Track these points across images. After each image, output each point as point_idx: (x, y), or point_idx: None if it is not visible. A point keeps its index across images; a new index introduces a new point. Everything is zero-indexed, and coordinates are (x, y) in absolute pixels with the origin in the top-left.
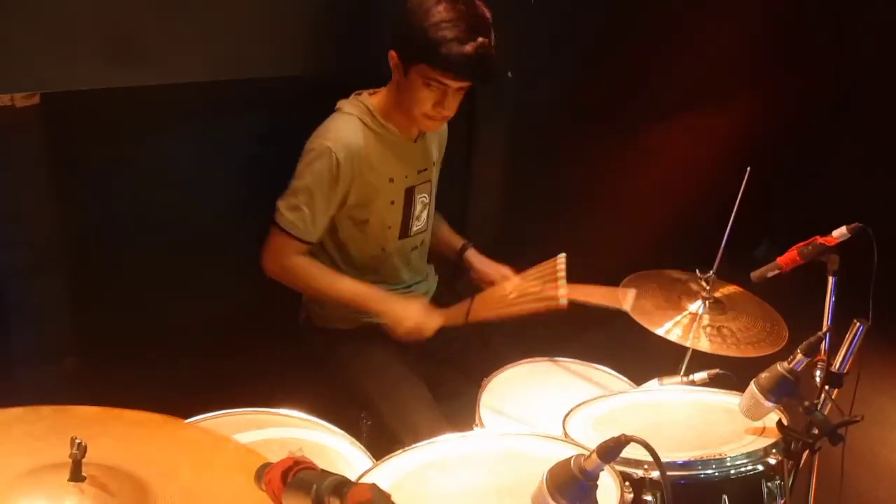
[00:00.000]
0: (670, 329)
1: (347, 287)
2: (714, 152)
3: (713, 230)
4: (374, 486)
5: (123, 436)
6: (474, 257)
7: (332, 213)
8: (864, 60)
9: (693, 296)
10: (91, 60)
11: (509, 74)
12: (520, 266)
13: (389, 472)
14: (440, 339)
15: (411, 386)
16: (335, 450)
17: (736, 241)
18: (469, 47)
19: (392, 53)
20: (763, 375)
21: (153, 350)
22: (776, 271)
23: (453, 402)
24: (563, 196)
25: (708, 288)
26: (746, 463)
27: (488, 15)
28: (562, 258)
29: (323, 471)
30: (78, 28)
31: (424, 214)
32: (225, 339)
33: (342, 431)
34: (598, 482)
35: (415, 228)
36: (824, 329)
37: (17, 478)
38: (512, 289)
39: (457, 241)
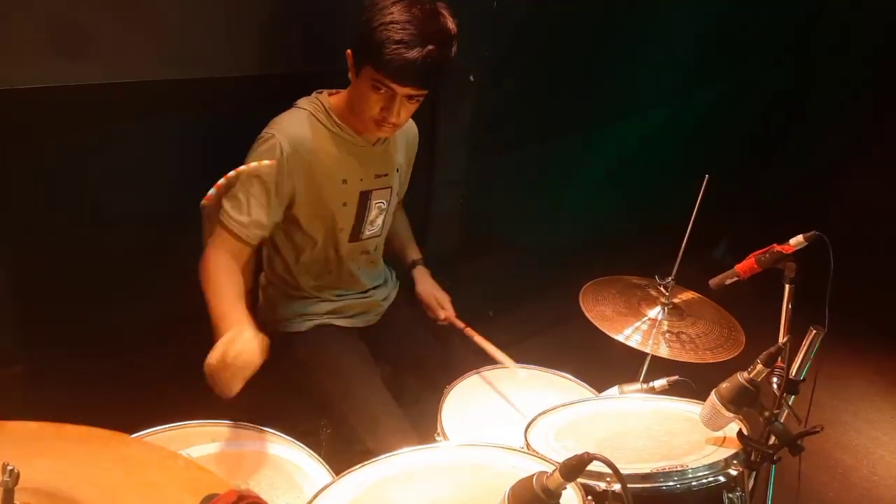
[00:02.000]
0: (630, 335)
1: (216, 302)
2: (673, 153)
3: (670, 232)
4: None
5: (63, 455)
6: (420, 276)
7: (273, 209)
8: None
9: (652, 301)
10: (36, 57)
11: (471, 78)
12: (484, 268)
13: (349, 487)
14: (399, 343)
15: (371, 384)
16: (293, 463)
17: (693, 243)
18: (414, 53)
19: (348, 52)
20: (723, 385)
21: (102, 358)
22: (734, 279)
23: (414, 409)
24: (527, 197)
25: (667, 294)
26: (708, 475)
27: (451, 27)
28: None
29: None
30: (22, 22)
31: (380, 220)
32: (176, 345)
33: (300, 444)
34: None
35: (367, 233)
36: (783, 339)
37: None
38: (444, 317)
39: (411, 253)
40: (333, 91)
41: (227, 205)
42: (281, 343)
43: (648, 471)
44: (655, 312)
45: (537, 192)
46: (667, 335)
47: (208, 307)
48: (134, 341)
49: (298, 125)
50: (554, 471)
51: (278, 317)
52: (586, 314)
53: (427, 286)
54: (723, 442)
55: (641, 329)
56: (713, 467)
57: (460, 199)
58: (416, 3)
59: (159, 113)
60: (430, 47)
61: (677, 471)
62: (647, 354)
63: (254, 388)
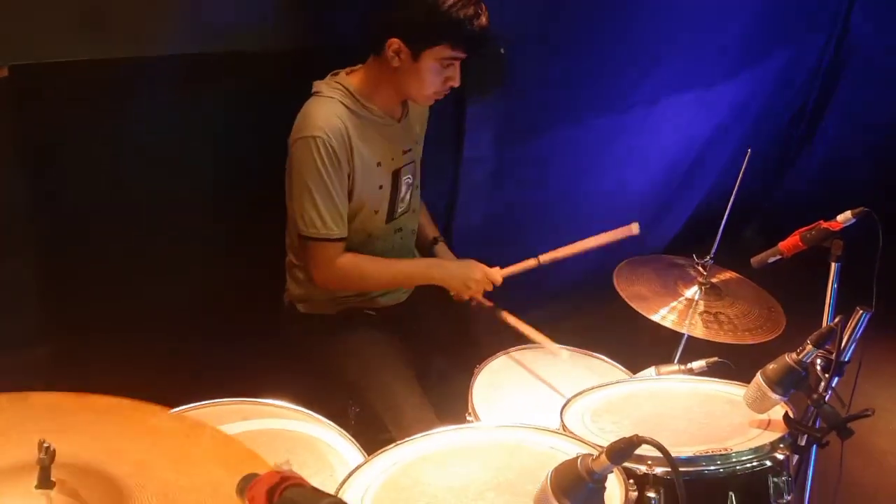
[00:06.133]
0: (665, 315)
1: (402, 269)
2: (708, 133)
3: (704, 212)
4: None
5: (89, 426)
6: (442, 254)
7: (342, 200)
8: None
9: (690, 281)
10: (61, 31)
11: (502, 51)
12: (508, 253)
13: (383, 466)
14: (427, 323)
15: (396, 369)
16: (325, 441)
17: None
18: (483, 20)
19: (394, 41)
20: (770, 367)
21: (130, 339)
22: (777, 257)
23: (443, 389)
24: (555, 180)
25: (705, 273)
26: (752, 458)
27: None
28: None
29: (314, 489)
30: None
31: (409, 195)
32: (205, 326)
33: (330, 422)
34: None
35: (399, 210)
36: (828, 318)
37: None
38: (468, 298)
39: (429, 231)
40: (350, 70)
41: (309, 220)
42: (308, 325)
43: (691, 454)
44: (692, 292)
45: (571, 171)
46: (704, 315)
47: (404, 282)
48: (160, 322)
49: (334, 116)
50: (600, 454)
51: (305, 298)
52: (620, 293)
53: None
54: (767, 425)
55: (677, 309)
56: (758, 451)
57: (488, 176)
58: None
59: (182, 89)
60: (485, 9)
61: (721, 454)
62: (684, 335)
63: (281, 369)
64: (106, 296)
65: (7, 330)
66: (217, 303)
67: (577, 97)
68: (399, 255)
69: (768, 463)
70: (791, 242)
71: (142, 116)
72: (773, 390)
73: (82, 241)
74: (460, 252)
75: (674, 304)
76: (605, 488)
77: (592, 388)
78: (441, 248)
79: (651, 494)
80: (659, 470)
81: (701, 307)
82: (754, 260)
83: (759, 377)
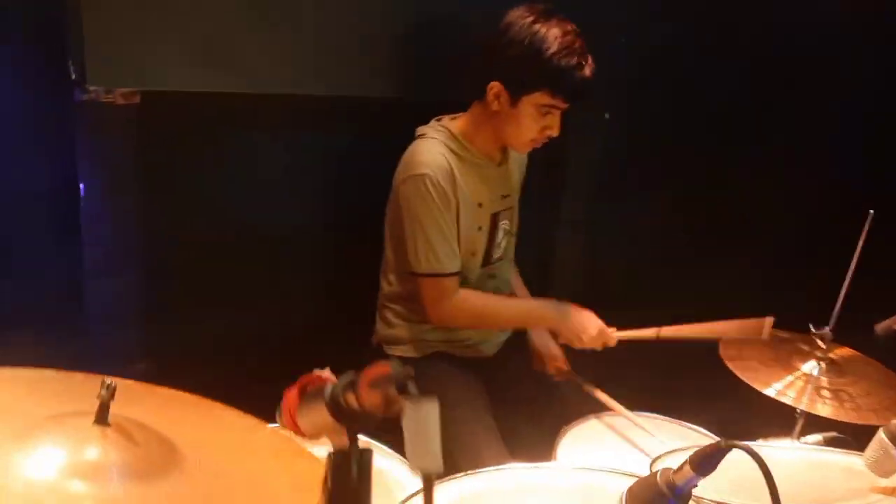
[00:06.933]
0: (782, 390)
1: (516, 309)
2: (829, 193)
3: (825, 282)
4: (394, 361)
5: (154, 408)
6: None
7: (453, 235)
8: None
9: (804, 355)
10: (189, 63)
11: (606, 116)
12: (607, 313)
13: (447, 494)
14: (514, 383)
15: (477, 414)
16: (388, 471)
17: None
18: (587, 71)
19: (495, 84)
20: (894, 422)
21: (220, 361)
22: None
23: (526, 451)
24: (655, 241)
25: (824, 346)
26: None
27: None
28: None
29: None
30: (179, 31)
31: (504, 242)
32: (294, 357)
33: (397, 454)
34: None
35: (495, 255)
36: None
37: (41, 420)
38: (553, 373)
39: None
40: (454, 116)
41: (423, 258)
42: None
43: None
44: (809, 367)
45: (672, 242)
46: (823, 392)
47: (520, 317)
48: (250, 348)
49: (439, 156)
50: (683, 464)
51: (392, 340)
52: (727, 363)
53: (542, 337)
54: (893, 492)
55: (795, 385)
56: None
57: (585, 242)
58: (557, 21)
59: (292, 126)
60: (590, 61)
61: None
62: (799, 410)
63: None
64: (206, 318)
65: (113, 343)
66: (308, 335)
67: None
68: None
69: None
70: None
71: (252, 150)
72: None
73: (187, 264)
74: None
75: (789, 378)
76: None
77: (689, 448)
78: None
79: None
80: None
81: (823, 383)
82: (879, 326)
83: (881, 434)
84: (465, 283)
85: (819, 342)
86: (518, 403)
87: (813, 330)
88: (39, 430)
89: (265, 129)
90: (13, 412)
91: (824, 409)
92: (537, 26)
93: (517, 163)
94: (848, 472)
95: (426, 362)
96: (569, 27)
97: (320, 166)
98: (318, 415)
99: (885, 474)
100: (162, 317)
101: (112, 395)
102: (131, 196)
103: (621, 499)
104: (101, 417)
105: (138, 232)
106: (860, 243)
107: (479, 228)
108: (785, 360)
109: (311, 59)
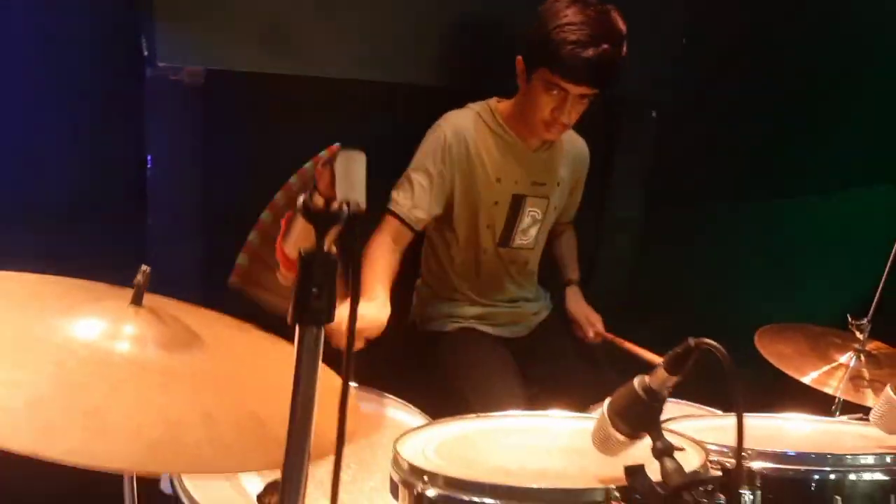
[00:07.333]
0: (819, 378)
1: (368, 279)
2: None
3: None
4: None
5: (187, 311)
6: (572, 295)
7: (436, 196)
8: None
9: (840, 348)
10: (254, 45)
11: (653, 114)
12: (652, 316)
13: (442, 431)
14: (547, 364)
15: (504, 380)
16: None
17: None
18: (589, 52)
19: (518, 59)
20: None
21: (275, 325)
22: None
23: None
24: (709, 257)
25: (862, 338)
26: (873, 466)
27: (621, 27)
28: None
29: None
30: (245, 14)
31: (533, 230)
32: None
33: (417, 409)
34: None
35: (517, 241)
36: None
37: (80, 302)
38: (592, 335)
39: (568, 272)
40: (502, 98)
41: (393, 191)
42: (426, 342)
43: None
44: (846, 358)
45: (724, 255)
46: (861, 382)
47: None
48: None
49: (464, 119)
50: (657, 367)
51: (427, 316)
52: (762, 352)
53: (579, 304)
54: None
55: (836, 375)
56: (879, 459)
57: (633, 240)
58: (588, 5)
59: (346, 110)
60: (604, 46)
61: (833, 454)
62: (837, 398)
63: (397, 386)
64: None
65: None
66: None
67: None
68: (516, 286)
69: (887, 478)
70: None
71: (308, 131)
72: None
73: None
74: None
75: (826, 368)
76: (662, 409)
77: (704, 416)
78: (572, 290)
79: (745, 492)
80: (757, 465)
81: (864, 374)
82: None
83: (888, 390)
84: (485, 257)
85: (857, 333)
86: (551, 387)
87: (850, 319)
88: (83, 307)
89: (324, 111)
90: (60, 298)
91: (856, 397)
92: (559, 5)
93: (570, 158)
94: (858, 435)
95: (458, 336)
96: (591, 12)
97: (374, 148)
98: (296, 230)
99: (893, 431)
100: (217, 287)
101: (147, 280)
102: (196, 169)
103: (603, 409)
104: (137, 299)
105: (198, 201)
106: None
107: (496, 203)
108: (822, 351)
109: (371, 45)
